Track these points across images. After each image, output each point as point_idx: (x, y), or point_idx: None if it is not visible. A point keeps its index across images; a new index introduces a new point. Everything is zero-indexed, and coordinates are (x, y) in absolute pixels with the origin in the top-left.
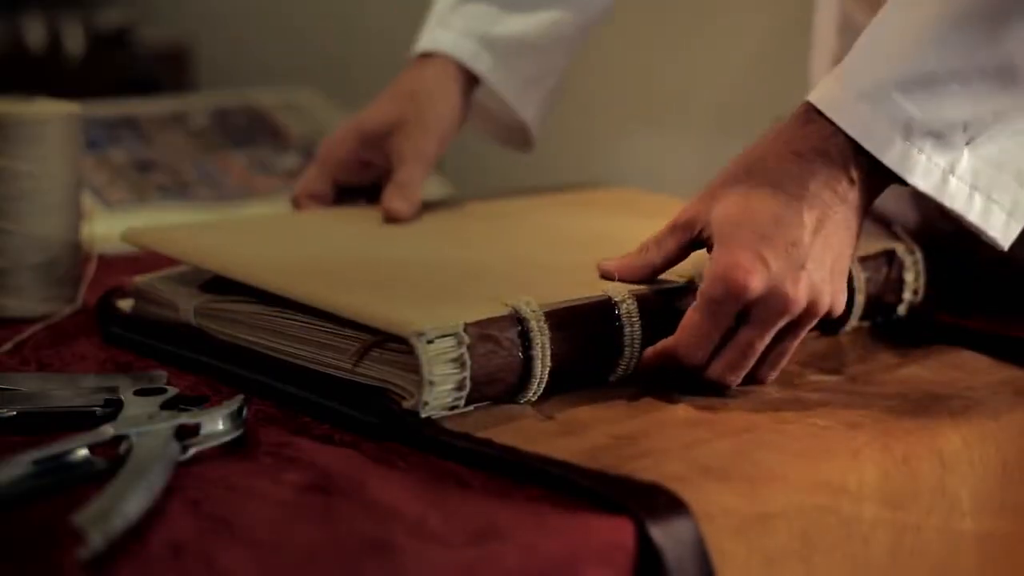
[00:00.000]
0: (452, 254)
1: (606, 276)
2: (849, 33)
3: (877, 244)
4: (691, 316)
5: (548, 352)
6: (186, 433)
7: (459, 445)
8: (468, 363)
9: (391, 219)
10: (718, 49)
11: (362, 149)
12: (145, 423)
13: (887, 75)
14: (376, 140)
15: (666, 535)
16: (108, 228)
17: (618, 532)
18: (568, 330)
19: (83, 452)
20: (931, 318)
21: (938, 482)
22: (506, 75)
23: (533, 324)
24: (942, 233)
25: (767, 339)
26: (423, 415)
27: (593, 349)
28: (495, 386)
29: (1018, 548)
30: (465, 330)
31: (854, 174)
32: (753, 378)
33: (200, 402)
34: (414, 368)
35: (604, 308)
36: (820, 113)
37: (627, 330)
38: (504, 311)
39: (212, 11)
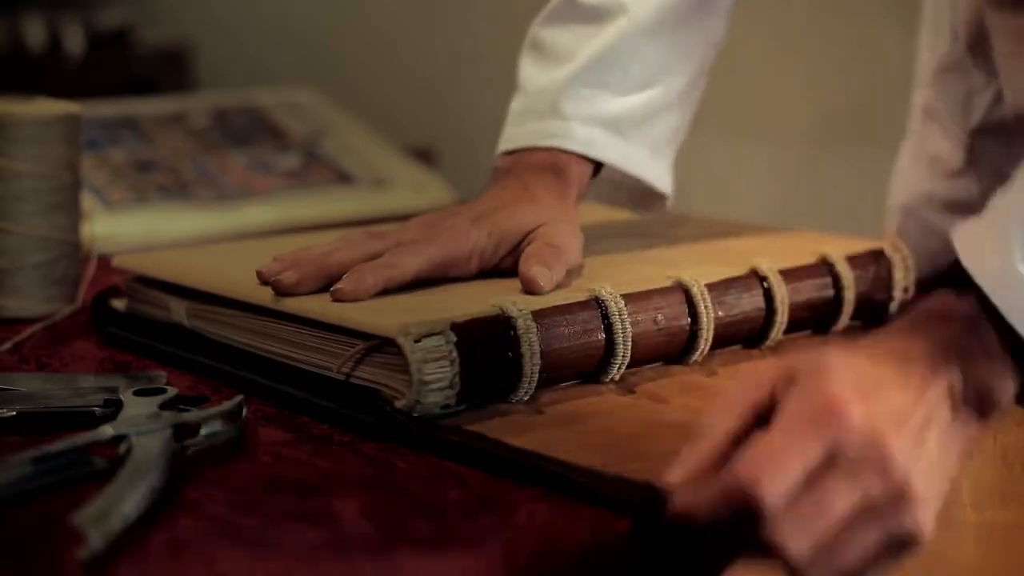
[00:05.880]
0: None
1: None
2: None
3: (865, 243)
4: (764, 441)
5: (537, 351)
6: (186, 433)
7: (451, 439)
8: (457, 361)
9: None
10: (724, 50)
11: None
12: (144, 423)
13: None
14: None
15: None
16: (108, 228)
17: (617, 531)
18: (558, 329)
19: (83, 452)
20: None
21: None
22: (631, 152)
23: (520, 323)
24: None
25: (850, 502)
26: (415, 414)
27: (584, 349)
28: (486, 385)
29: (1020, 539)
30: (452, 329)
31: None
32: None
33: (199, 402)
34: (405, 369)
35: (592, 307)
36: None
37: (618, 329)
38: (491, 311)
39: (212, 11)
